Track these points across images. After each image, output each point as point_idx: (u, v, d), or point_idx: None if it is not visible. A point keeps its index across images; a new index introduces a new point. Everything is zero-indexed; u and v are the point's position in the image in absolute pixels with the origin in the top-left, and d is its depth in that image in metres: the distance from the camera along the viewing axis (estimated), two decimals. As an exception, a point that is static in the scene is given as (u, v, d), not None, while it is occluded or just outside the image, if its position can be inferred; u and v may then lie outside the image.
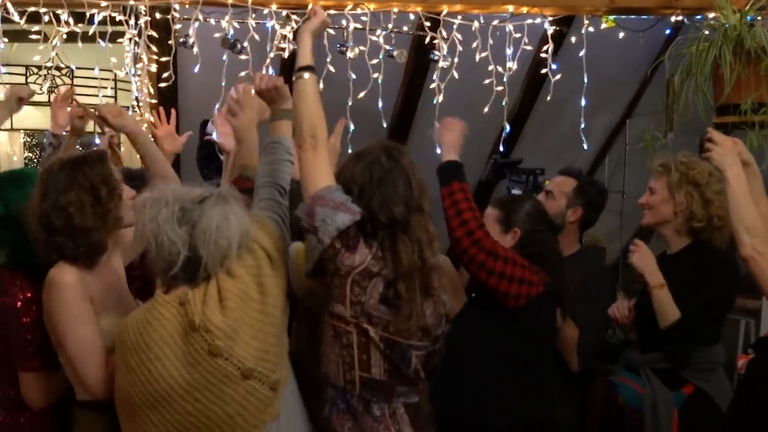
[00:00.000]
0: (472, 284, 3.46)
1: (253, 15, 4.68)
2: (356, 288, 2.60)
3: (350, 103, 4.98)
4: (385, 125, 5.32)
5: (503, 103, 5.15)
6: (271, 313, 2.56)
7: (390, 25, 4.92)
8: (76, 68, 5.25)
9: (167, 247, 2.46)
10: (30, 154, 9.54)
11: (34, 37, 4.65)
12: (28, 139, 9.34)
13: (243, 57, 4.71)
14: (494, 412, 3.24)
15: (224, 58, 4.77)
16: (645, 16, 5.14)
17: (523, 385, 3.30)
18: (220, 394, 2.47)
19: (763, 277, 2.90)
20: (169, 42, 4.75)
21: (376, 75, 4.94)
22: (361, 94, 4.98)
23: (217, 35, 4.76)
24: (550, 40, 5.07)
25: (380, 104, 5.06)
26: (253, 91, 3.05)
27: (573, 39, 5.28)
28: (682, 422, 3.50)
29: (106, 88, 5.71)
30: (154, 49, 4.84)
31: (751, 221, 2.94)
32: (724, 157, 3.04)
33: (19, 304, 2.89)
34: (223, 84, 4.76)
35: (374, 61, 4.91)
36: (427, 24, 4.93)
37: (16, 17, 4.51)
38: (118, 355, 2.55)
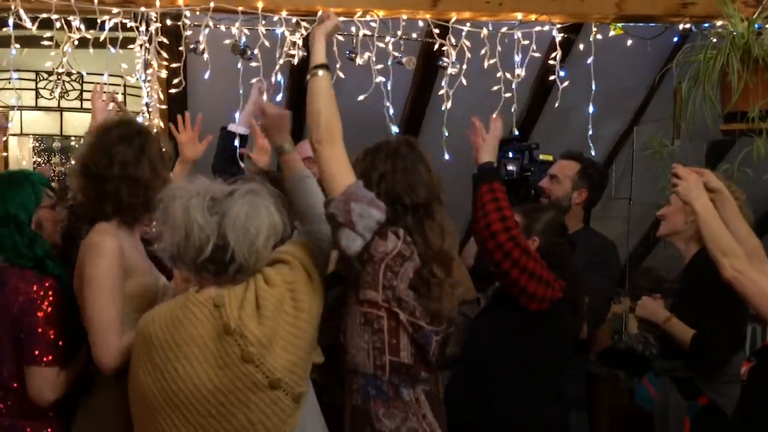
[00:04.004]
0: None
1: (263, 22, 4.69)
2: (389, 273, 2.68)
3: (358, 109, 5.00)
4: (394, 131, 5.33)
5: (512, 110, 5.16)
6: (303, 329, 2.57)
7: (399, 32, 4.94)
8: (87, 74, 5.29)
9: (197, 233, 2.46)
10: (39, 159, 9.59)
11: (45, 43, 4.67)
12: (37, 144, 9.39)
13: (253, 63, 4.73)
14: (513, 420, 3.26)
15: (238, 65, 4.78)
16: (653, 24, 5.15)
17: (542, 393, 3.33)
18: (246, 400, 2.47)
19: (749, 294, 2.98)
20: (180, 48, 4.76)
21: (385, 81, 4.96)
22: (374, 101, 4.99)
23: (227, 42, 4.78)
24: (558, 48, 5.08)
25: (390, 111, 5.08)
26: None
27: (581, 46, 5.29)
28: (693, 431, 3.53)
29: (117, 93, 5.75)
30: (165, 55, 4.86)
31: (726, 244, 3.04)
32: (690, 190, 3.17)
33: (33, 296, 2.95)
34: (240, 91, 4.76)
35: (383, 68, 4.93)
36: (436, 31, 4.95)
37: (28, 23, 4.53)
38: (139, 351, 2.55)
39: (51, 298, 2.96)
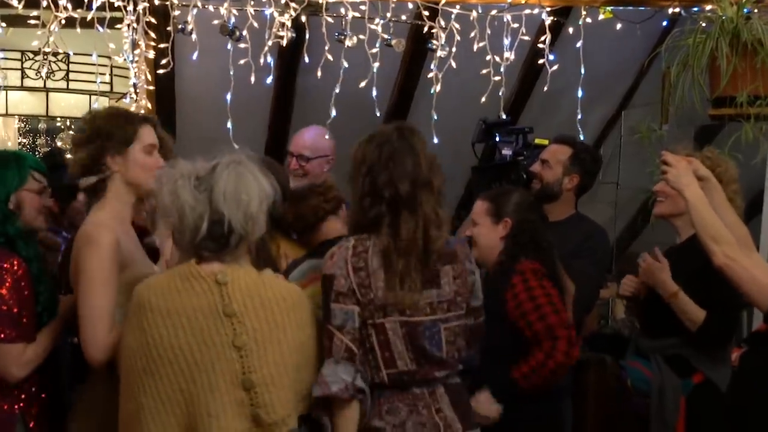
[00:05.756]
0: None
1: (252, 2, 4.69)
2: (362, 289, 2.63)
3: (347, 92, 4.99)
4: (379, 114, 5.32)
5: (500, 93, 5.16)
6: (300, 378, 2.55)
7: (388, 14, 4.93)
8: (74, 54, 5.25)
9: (189, 214, 2.44)
10: (24, 140, 9.52)
11: (32, 22, 4.64)
12: (22, 125, 9.33)
13: (242, 44, 4.71)
14: (508, 415, 3.26)
15: (227, 46, 4.75)
16: (642, 8, 5.16)
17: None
18: (214, 387, 2.44)
19: (741, 282, 2.96)
20: (168, 28, 4.74)
21: (373, 64, 4.95)
22: (363, 84, 4.98)
23: (215, 22, 4.75)
24: (547, 31, 5.08)
25: (374, 93, 5.06)
26: None
27: (570, 30, 5.30)
28: (688, 410, 3.53)
29: (104, 74, 5.72)
30: (153, 35, 4.83)
31: (716, 230, 3.01)
32: (680, 177, 3.13)
33: None
34: (231, 72, 4.73)
35: (372, 50, 4.92)
36: (426, 13, 4.94)
37: (14, 2, 4.50)
38: (131, 317, 2.55)
39: (15, 275, 2.92)
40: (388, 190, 2.66)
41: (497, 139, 4.54)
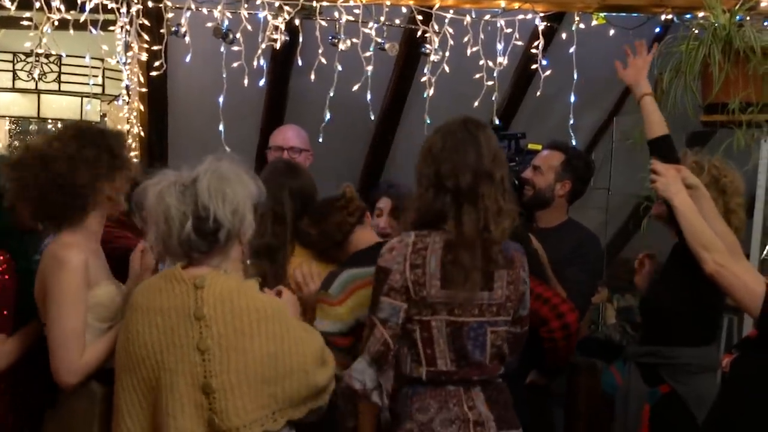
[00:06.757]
0: None
1: (246, 5, 4.67)
2: (416, 286, 2.67)
3: (340, 95, 4.98)
4: (373, 117, 5.32)
5: (493, 98, 5.17)
6: (271, 392, 2.53)
7: (382, 18, 4.92)
8: (66, 56, 5.22)
9: (175, 214, 2.49)
10: (16, 142, 9.48)
11: (25, 23, 4.62)
12: (13, 127, 9.28)
13: (235, 47, 4.71)
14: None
15: (220, 49, 4.74)
16: (635, 14, 5.16)
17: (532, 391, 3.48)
18: (176, 385, 2.48)
19: (731, 288, 3.00)
20: (161, 31, 4.72)
21: (367, 67, 4.94)
22: (356, 87, 4.98)
23: (209, 25, 4.74)
24: (540, 36, 5.09)
25: (369, 97, 5.06)
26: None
27: (563, 35, 5.30)
28: (652, 419, 3.53)
29: (97, 76, 5.70)
30: (146, 37, 4.81)
31: (707, 238, 3.06)
32: (668, 186, 3.19)
33: None
34: (224, 75, 4.72)
35: (365, 54, 4.92)
36: (419, 17, 4.93)
37: (7, 3, 4.48)
38: (124, 317, 2.63)
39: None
40: (450, 180, 2.68)
41: None
